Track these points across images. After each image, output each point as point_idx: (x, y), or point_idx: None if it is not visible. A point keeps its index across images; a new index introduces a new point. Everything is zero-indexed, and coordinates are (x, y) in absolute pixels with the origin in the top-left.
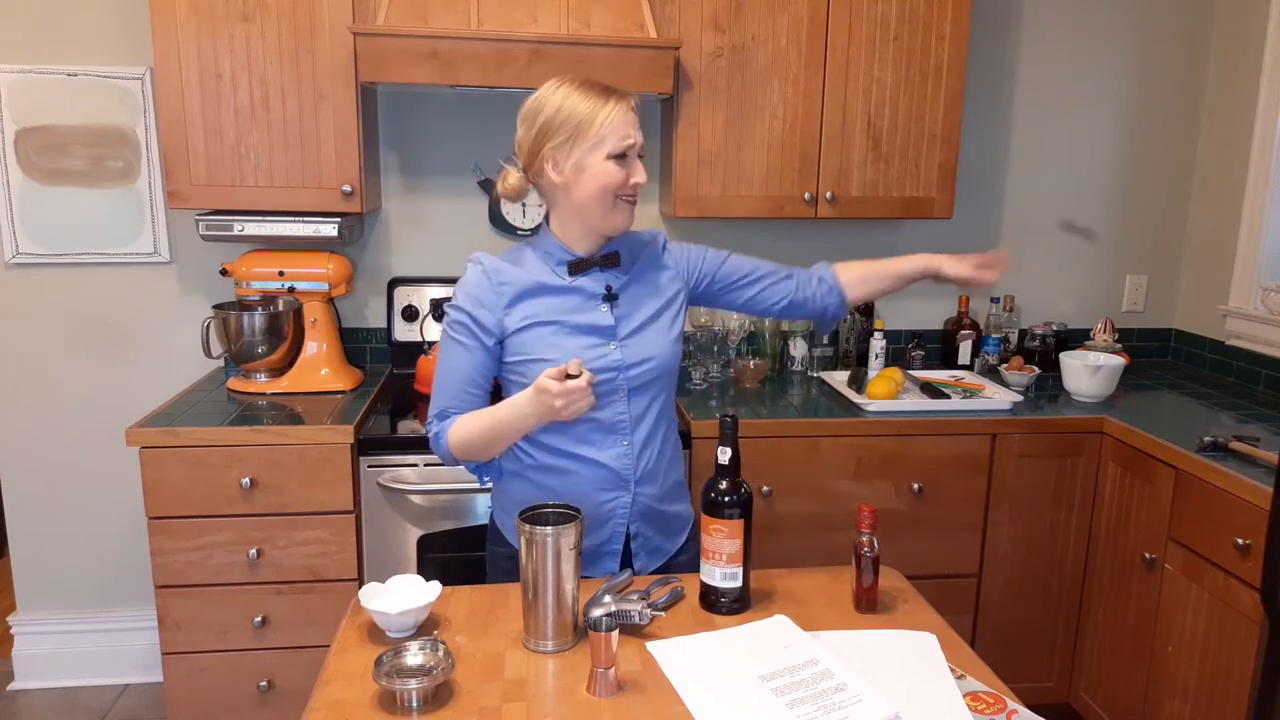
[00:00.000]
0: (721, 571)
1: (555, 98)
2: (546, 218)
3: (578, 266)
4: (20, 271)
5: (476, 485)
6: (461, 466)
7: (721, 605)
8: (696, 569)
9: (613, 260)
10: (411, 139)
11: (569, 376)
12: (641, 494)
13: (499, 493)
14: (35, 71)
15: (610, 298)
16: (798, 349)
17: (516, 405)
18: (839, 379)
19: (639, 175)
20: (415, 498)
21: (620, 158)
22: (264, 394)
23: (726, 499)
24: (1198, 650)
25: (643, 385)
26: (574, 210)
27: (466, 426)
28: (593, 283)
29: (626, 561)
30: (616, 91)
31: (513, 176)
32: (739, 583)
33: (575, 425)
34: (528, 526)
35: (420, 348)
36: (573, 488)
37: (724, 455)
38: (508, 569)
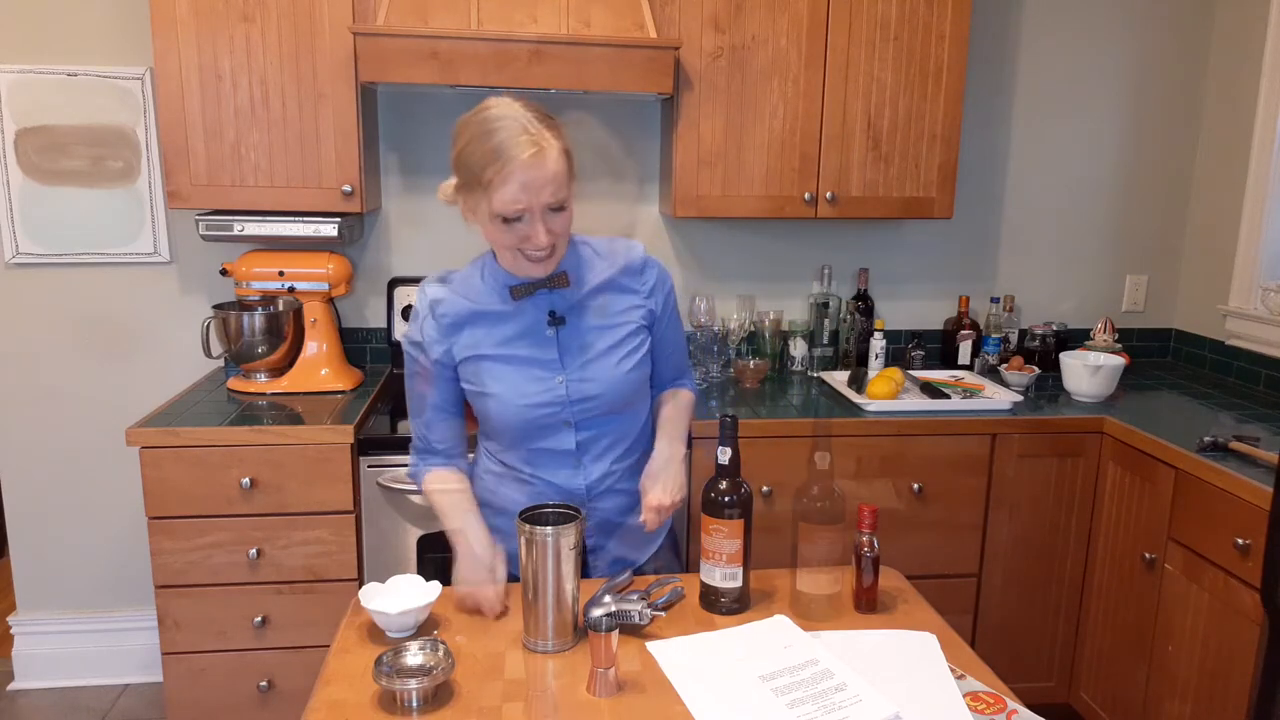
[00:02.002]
0: (722, 571)
1: (466, 132)
2: None
3: (521, 291)
4: (20, 271)
5: None
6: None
7: (721, 605)
8: (671, 578)
9: (561, 281)
10: (411, 139)
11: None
12: (599, 509)
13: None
14: (35, 71)
15: (556, 322)
16: (798, 349)
17: (454, 516)
18: (839, 379)
19: (537, 239)
20: (415, 498)
21: (510, 220)
22: (264, 394)
23: (726, 499)
24: (1198, 650)
25: (592, 418)
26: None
27: (432, 490)
28: (537, 308)
29: (583, 574)
30: (533, 139)
31: (448, 187)
32: (739, 583)
33: (530, 450)
34: (528, 527)
35: None
36: (528, 501)
37: (724, 455)
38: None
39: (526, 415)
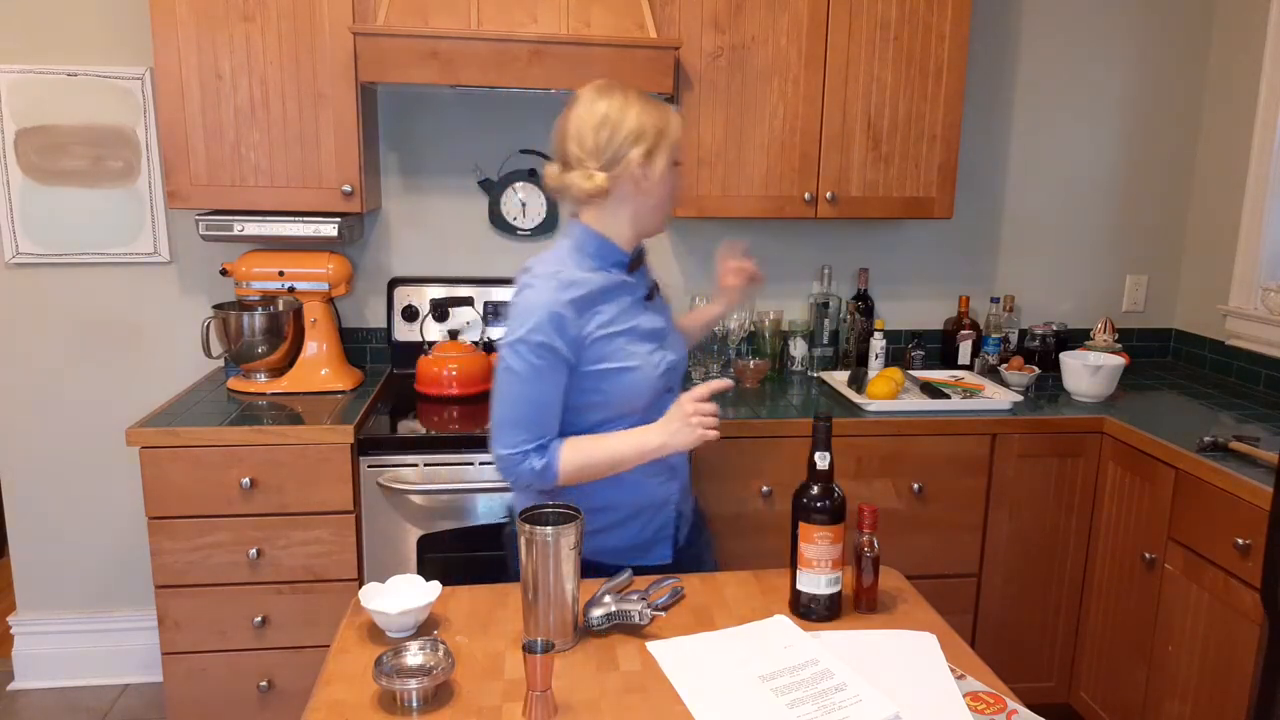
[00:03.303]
0: (826, 578)
1: (628, 109)
2: (575, 223)
3: (636, 263)
4: (20, 271)
5: (476, 486)
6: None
7: (822, 612)
8: (705, 555)
9: (643, 257)
10: (411, 139)
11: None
12: (682, 473)
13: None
14: (35, 71)
15: (649, 297)
16: (798, 349)
17: (642, 437)
18: (839, 379)
19: (687, 179)
20: (415, 498)
21: (677, 164)
22: (264, 394)
23: (829, 504)
24: (1198, 650)
25: (678, 380)
26: (635, 211)
27: (587, 450)
28: (638, 283)
29: (675, 546)
30: (668, 105)
31: (599, 177)
32: (839, 588)
33: (646, 418)
34: (528, 527)
35: (420, 348)
36: (634, 484)
37: (823, 460)
38: None
39: (656, 384)
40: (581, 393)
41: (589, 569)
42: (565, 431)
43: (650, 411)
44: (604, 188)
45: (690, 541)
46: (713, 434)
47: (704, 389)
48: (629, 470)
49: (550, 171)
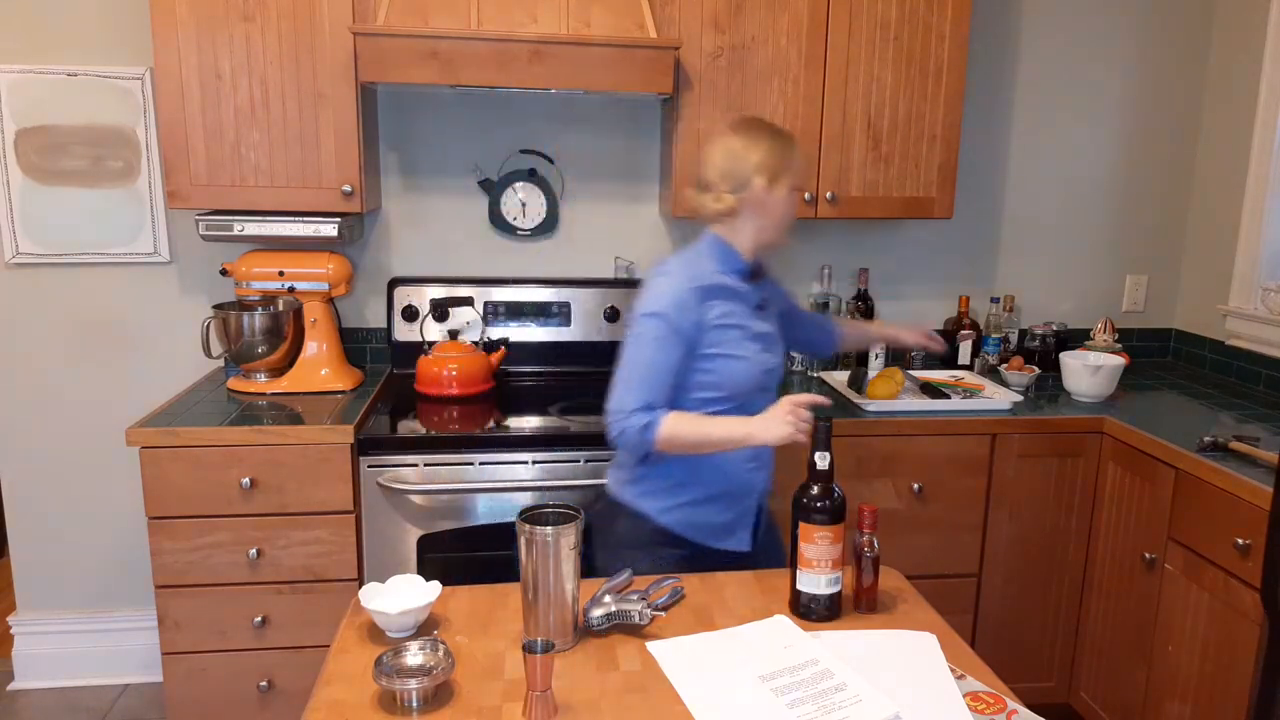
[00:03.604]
0: (826, 578)
1: (762, 140)
2: (708, 232)
3: (756, 273)
4: (20, 271)
5: (476, 486)
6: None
7: (823, 612)
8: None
9: (765, 271)
10: (411, 139)
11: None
12: (768, 472)
13: (638, 471)
14: (35, 71)
15: (761, 306)
16: None
17: (734, 423)
18: (839, 379)
19: (801, 205)
20: (415, 498)
21: (796, 189)
22: (264, 394)
23: (829, 504)
24: (1198, 650)
25: (774, 383)
26: (757, 228)
27: (686, 425)
28: (753, 293)
29: (755, 533)
30: (790, 135)
31: (728, 200)
32: (839, 588)
33: (749, 410)
34: (528, 527)
35: (420, 348)
36: (723, 468)
37: (823, 460)
38: (657, 540)
39: (759, 379)
40: (695, 373)
41: (675, 540)
42: (673, 408)
43: (746, 407)
44: (733, 208)
45: (767, 537)
46: (801, 436)
47: (806, 397)
48: (722, 452)
49: (688, 194)
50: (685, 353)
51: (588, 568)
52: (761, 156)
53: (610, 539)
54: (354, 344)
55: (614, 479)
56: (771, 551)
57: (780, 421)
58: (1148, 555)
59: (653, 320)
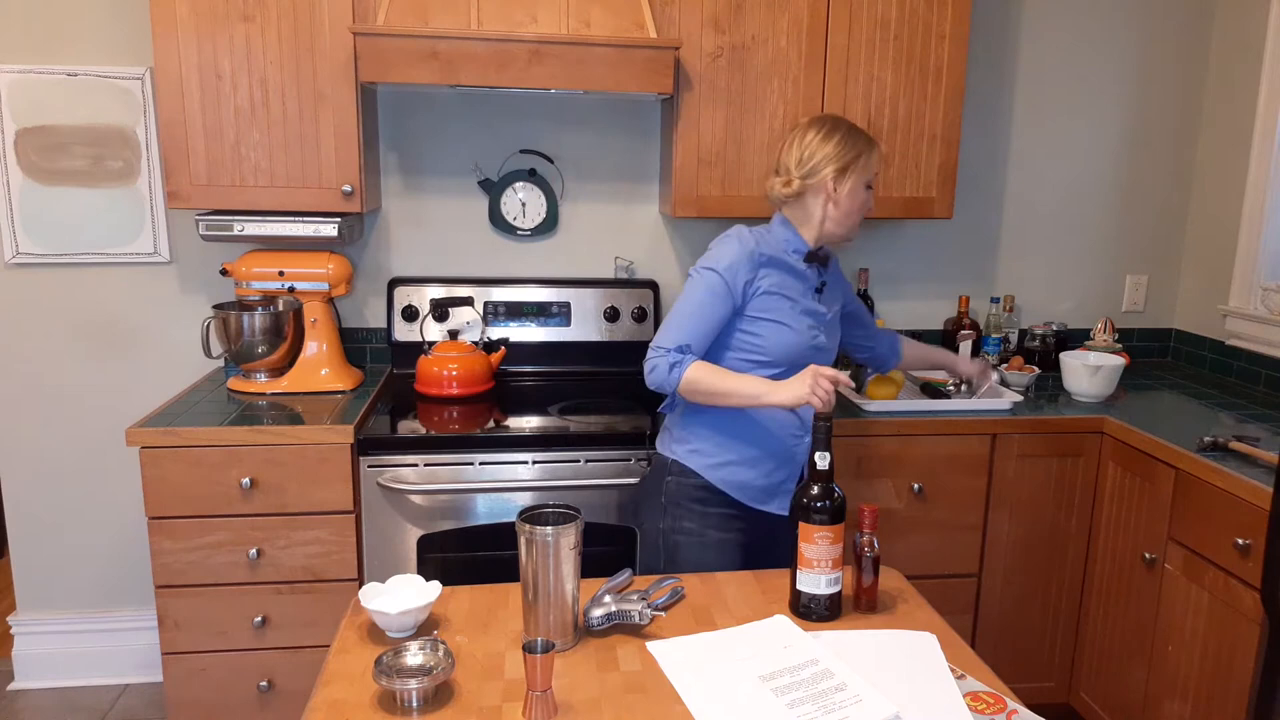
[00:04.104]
0: (827, 578)
1: (835, 131)
2: (779, 215)
3: (813, 256)
4: (20, 271)
5: (476, 486)
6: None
7: (823, 613)
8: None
9: (826, 258)
10: (411, 139)
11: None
12: (822, 425)
13: (684, 426)
14: (35, 71)
15: (819, 289)
16: None
17: (768, 385)
18: None
19: (873, 201)
20: (415, 498)
21: (869, 187)
22: (264, 394)
23: (829, 505)
24: (1198, 650)
25: (826, 361)
26: (823, 217)
27: (708, 374)
28: (812, 276)
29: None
30: (872, 138)
31: (795, 184)
32: (840, 588)
33: (783, 375)
34: (528, 527)
35: (420, 348)
36: (764, 430)
37: (823, 460)
38: (698, 498)
39: (806, 353)
40: (741, 334)
41: (720, 498)
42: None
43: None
44: (798, 192)
45: None
46: (817, 401)
47: (832, 371)
48: (764, 414)
49: (769, 181)
50: (731, 312)
51: (637, 528)
52: (834, 149)
53: (661, 497)
54: (354, 344)
55: (663, 441)
56: None
57: (800, 383)
58: (1148, 555)
59: (708, 274)
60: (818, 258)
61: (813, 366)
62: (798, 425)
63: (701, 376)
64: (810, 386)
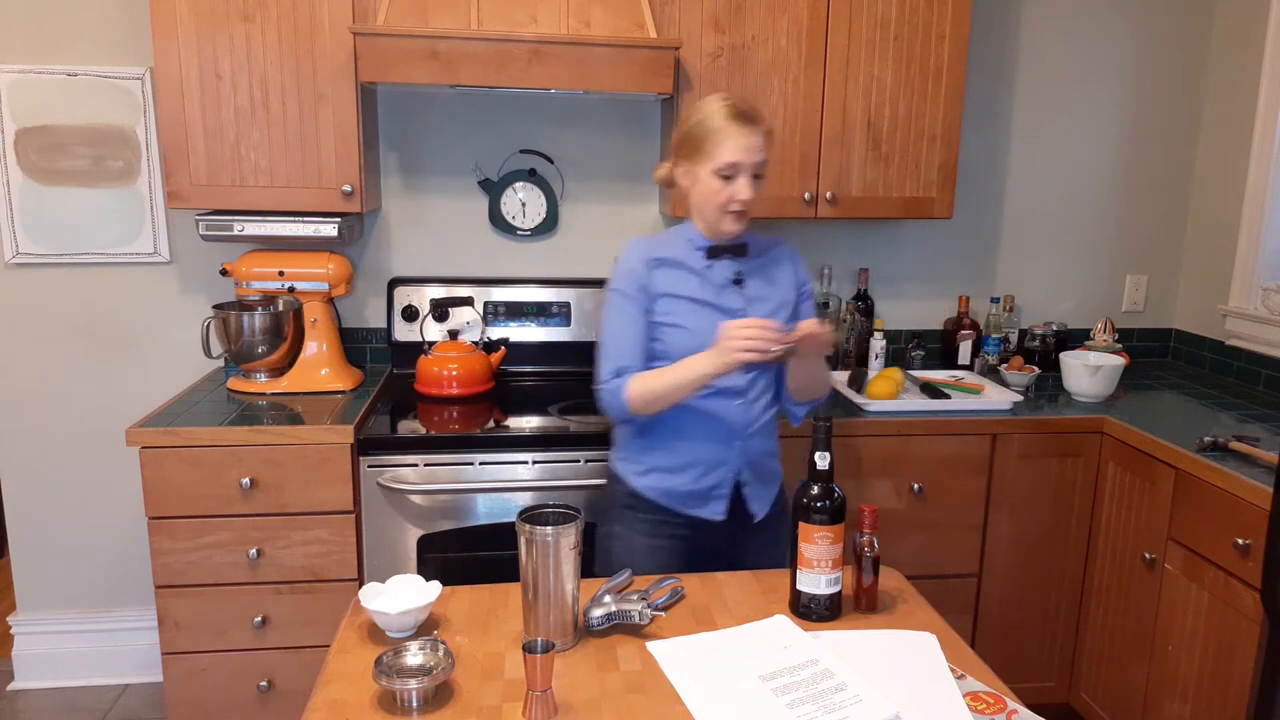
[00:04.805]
0: (827, 578)
1: (694, 115)
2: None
3: (713, 252)
4: (20, 271)
5: (476, 486)
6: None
7: (823, 613)
8: (789, 524)
9: (741, 250)
10: (411, 139)
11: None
12: (751, 446)
13: (617, 434)
14: (35, 71)
15: (738, 281)
16: None
17: (696, 361)
18: (839, 379)
19: (742, 193)
20: (415, 498)
21: (726, 177)
22: (264, 394)
23: (829, 505)
24: (1198, 650)
25: (757, 364)
26: (695, 210)
27: (647, 382)
28: (725, 269)
29: (738, 505)
30: (749, 118)
31: (664, 168)
32: (840, 588)
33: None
34: (528, 527)
35: (420, 348)
36: (691, 438)
37: (823, 460)
38: (628, 504)
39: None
40: (653, 341)
41: (646, 505)
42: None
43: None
44: (668, 178)
45: (769, 523)
46: (747, 356)
47: (748, 319)
48: (690, 420)
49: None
50: (645, 316)
51: (593, 540)
52: (691, 129)
53: (601, 505)
54: (354, 344)
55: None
56: (778, 531)
57: (719, 348)
58: (1148, 555)
59: (610, 294)
60: (725, 250)
61: (723, 325)
62: (727, 432)
63: (643, 388)
64: (730, 349)
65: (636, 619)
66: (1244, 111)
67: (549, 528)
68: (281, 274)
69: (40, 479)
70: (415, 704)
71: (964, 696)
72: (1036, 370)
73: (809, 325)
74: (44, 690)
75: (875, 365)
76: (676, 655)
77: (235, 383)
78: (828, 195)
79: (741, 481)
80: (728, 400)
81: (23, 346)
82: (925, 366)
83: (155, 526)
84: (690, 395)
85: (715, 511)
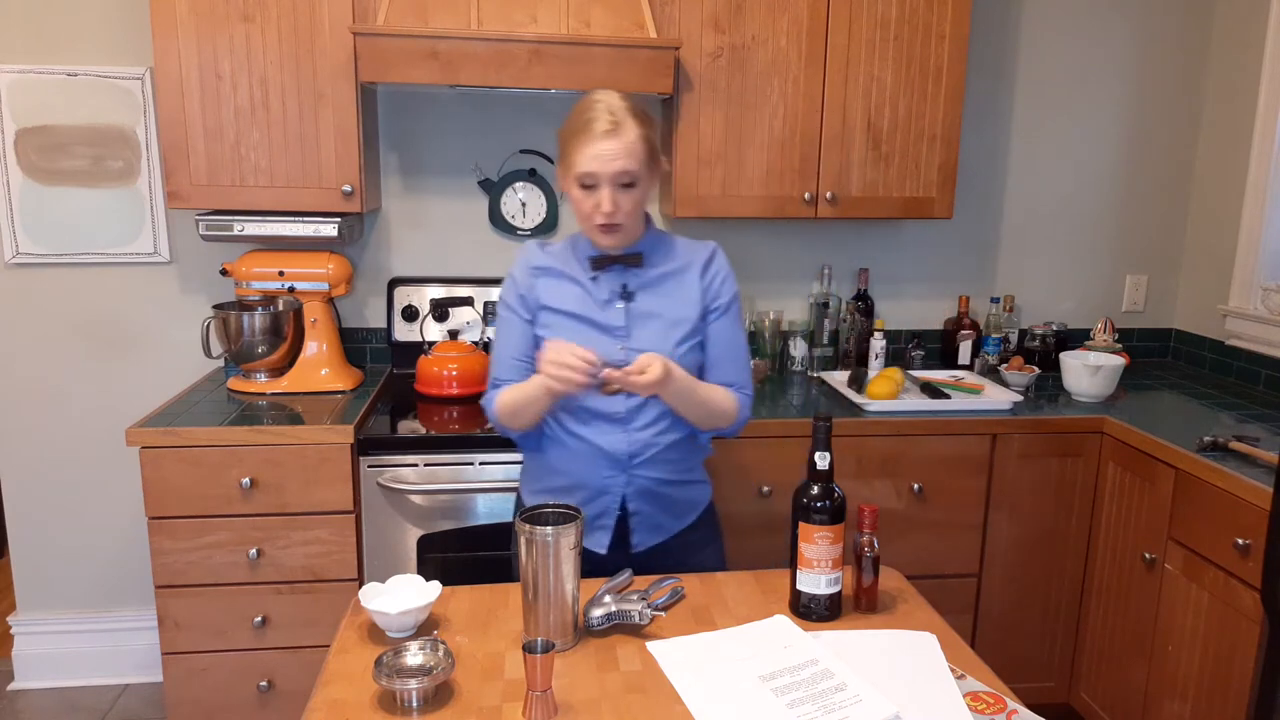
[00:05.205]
0: (827, 578)
1: (571, 113)
2: None
3: (598, 263)
4: (20, 271)
5: (476, 486)
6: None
7: (823, 613)
8: (708, 545)
9: (634, 260)
10: (411, 139)
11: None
12: (640, 476)
13: (524, 458)
14: (35, 71)
15: (626, 296)
16: (798, 349)
17: (533, 382)
18: (839, 379)
19: (604, 206)
20: (415, 498)
21: (587, 187)
22: (264, 394)
23: (829, 505)
24: (1198, 650)
25: None
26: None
27: (508, 397)
28: (611, 282)
29: (622, 536)
30: (613, 119)
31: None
32: (839, 588)
33: (581, 409)
34: (528, 527)
35: (420, 348)
36: (573, 463)
37: (823, 460)
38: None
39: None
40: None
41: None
42: None
43: (589, 398)
44: (561, 187)
45: (656, 552)
46: (556, 385)
47: (561, 346)
48: (571, 444)
49: None
50: (528, 327)
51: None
52: (559, 132)
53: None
54: (354, 344)
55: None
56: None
57: (540, 369)
58: (1148, 555)
59: (498, 306)
60: (615, 261)
61: (545, 345)
62: (608, 460)
63: (504, 401)
64: (542, 371)
65: (636, 619)
66: (1244, 111)
67: (549, 528)
68: (281, 274)
69: (40, 479)
70: (415, 704)
71: (964, 696)
72: (1036, 370)
73: (641, 362)
74: (44, 690)
75: (875, 365)
76: (676, 655)
77: (235, 383)
78: (828, 195)
79: (630, 511)
80: (611, 426)
81: (23, 346)
82: (925, 366)
83: (155, 526)
84: (543, 413)
85: (598, 544)
